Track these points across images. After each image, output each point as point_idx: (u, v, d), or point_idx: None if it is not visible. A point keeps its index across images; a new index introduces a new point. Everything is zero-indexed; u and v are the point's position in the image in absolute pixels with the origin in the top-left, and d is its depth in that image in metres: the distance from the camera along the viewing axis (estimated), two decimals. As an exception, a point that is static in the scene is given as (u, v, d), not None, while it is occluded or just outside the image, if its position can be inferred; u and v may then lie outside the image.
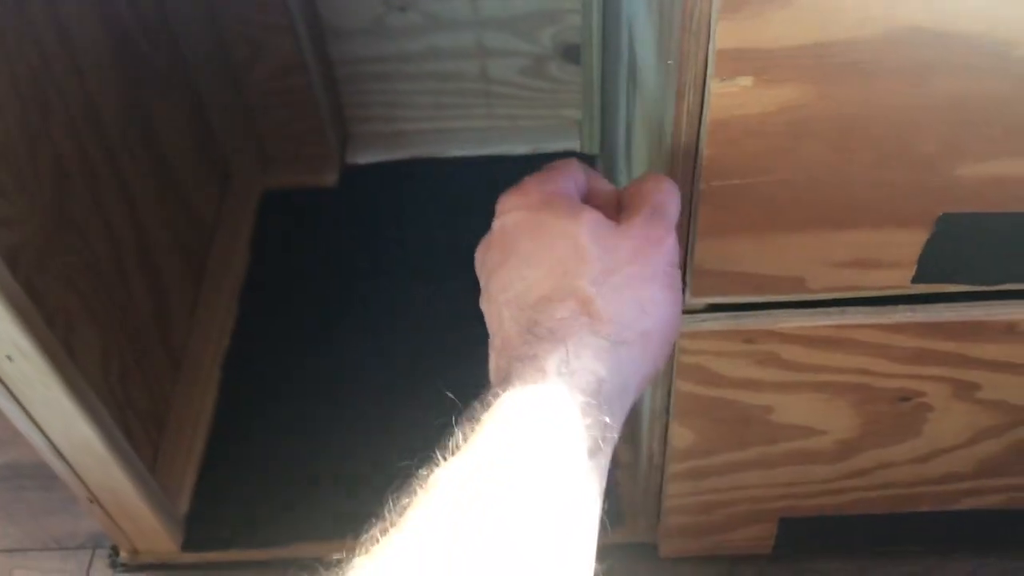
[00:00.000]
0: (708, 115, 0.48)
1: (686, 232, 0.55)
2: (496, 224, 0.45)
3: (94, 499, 0.80)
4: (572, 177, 0.46)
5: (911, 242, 0.54)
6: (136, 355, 0.88)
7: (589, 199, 0.46)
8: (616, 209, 0.46)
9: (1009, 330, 0.59)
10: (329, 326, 1.02)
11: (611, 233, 0.43)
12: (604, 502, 0.39)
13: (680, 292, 0.44)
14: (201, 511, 0.89)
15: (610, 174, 1.03)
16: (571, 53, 1.09)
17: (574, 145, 1.16)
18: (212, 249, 1.10)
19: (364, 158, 1.18)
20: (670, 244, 0.43)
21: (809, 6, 0.42)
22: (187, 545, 0.87)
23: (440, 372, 0.99)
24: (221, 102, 1.09)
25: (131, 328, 0.88)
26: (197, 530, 0.88)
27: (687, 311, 0.60)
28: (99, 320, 0.81)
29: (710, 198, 0.51)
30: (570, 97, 1.14)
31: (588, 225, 0.42)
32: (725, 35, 0.44)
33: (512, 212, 0.45)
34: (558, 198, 0.44)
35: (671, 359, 0.63)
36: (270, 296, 1.06)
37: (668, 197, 0.45)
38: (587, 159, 1.15)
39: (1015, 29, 0.43)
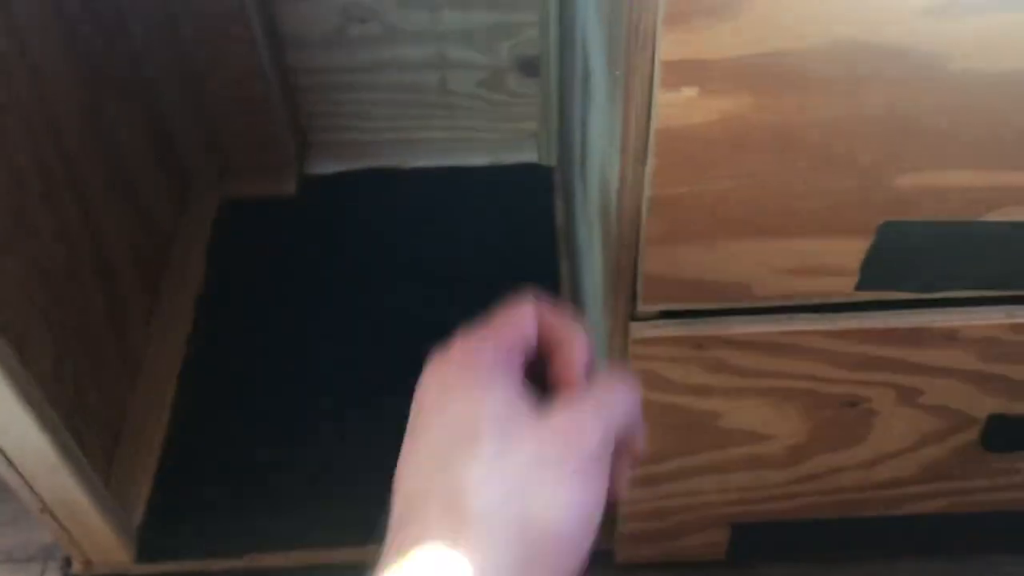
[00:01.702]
0: (655, 124, 0.49)
1: (635, 239, 0.56)
2: (415, 395, 0.39)
3: (46, 509, 0.79)
4: (516, 335, 0.38)
5: (853, 250, 0.55)
6: (91, 363, 0.88)
7: (547, 347, 0.39)
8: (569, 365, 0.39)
9: (949, 337, 0.61)
10: (287, 336, 1.02)
11: (521, 414, 0.35)
12: None
13: (597, 495, 0.35)
14: (156, 522, 0.88)
15: (567, 186, 1.04)
16: (529, 66, 1.11)
17: (532, 156, 1.17)
18: (169, 258, 1.10)
19: (323, 168, 1.18)
20: (594, 439, 0.35)
21: (751, 19, 0.44)
22: (141, 556, 0.87)
23: (397, 382, 0.99)
24: (179, 111, 1.09)
25: (86, 336, 0.87)
26: (151, 541, 0.87)
27: (640, 318, 0.61)
28: (52, 327, 0.81)
29: (658, 205, 0.53)
30: (528, 110, 1.16)
31: (494, 401, 0.35)
32: (670, 47, 0.45)
33: (426, 385, 0.38)
34: (480, 367, 0.37)
35: (624, 366, 0.64)
36: (228, 305, 1.06)
37: (616, 396, 0.38)
38: (544, 171, 1.17)
39: (945, 44, 0.45)
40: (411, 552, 0.33)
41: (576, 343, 0.39)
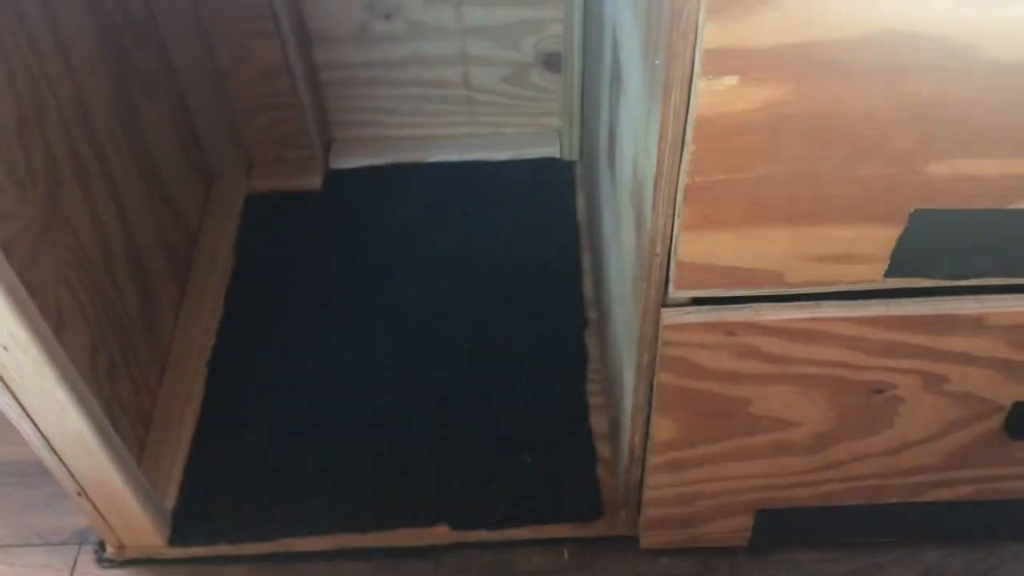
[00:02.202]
0: (694, 112, 0.50)
1: (669, 226, 0.57)
2: None
3: (83, 492, 0.81)
4: None
5: (884, 237, 0.57)
6: (123, 351, 0.89)
7: None
8: None
9: (977, 324, 0.62)
10: (313, 326, 1.04)
11: None
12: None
13: None
14: (188, 506, 0.90)
15: (590, 179, 1.06)
16: (552, 62, 1.12)
17: (554, 151, 1.19)
18: (198, 250, 1.11)
19: (348, 163, 1.19)
20: None
21: (793, 8, 0.45)
22: (174, 539, 0.88)
23: (421, 371, 1.01)
24: (206, 105, 1.11)
25: (118, 324, 0.89)
26: (184, 524, 0.89)
27: (671, 304, 0.62)
28: (87, 315, 0.82)
29: (694, 192, 0.54)
30: (551, 105, 1.17)
31: None
32: (712, 35, 0.46)
33: None
34: None
35: (655, 351, 0.65)
36: (255, 297, 1.07)
37: None
38: (566, 165, 1.18)
39: (982, 33, 0.46)
40: None
41: None
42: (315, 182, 1.17)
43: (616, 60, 0.74)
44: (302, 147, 1.16)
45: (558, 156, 1.19)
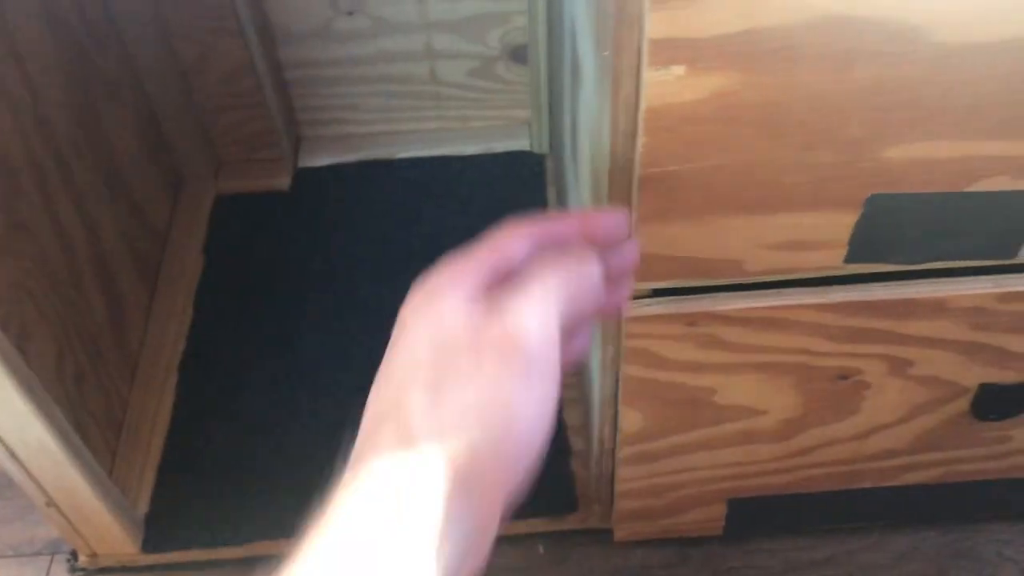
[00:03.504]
0: (644, 104, 0.50)
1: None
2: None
3: (51, 503, 0.80)
4: (493, 258, 0.39)
5: (842, 223, 0.56)
6: (91, 358, 0.88)
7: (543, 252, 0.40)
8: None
9: (938, 307, 0.62)
10: (284, 328, 1.03)
11: (462, 326, 0.36)
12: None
13: (540, 392, 0.35)
14: (160, 512, 0.89)
15: (559, 172, 1.05)
16: (519, 54, 1.11)
17: (524, 145, 1.18)
18: (166, 253, 1.10)
19: (316, 161, 1.18)
20: (531, 340, 0.35)
21: (735, -5, 0.44)
22: (147, 546, 0.87)
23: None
24: (171, 106, 1.10)
25: (85, 331, 0.88)
26: (157, 531, 0.88)
27: (632, 296, 0.62)
28: (52, 323, 0.81)
29: (649, 184, 0.53)
30: (519, 97, 1.16)
31: (438, 318, 0.36)
32: (657, 25, 0.46)
33: (405, 305, 0.39)
34: (437, 292, 0.38)
35: (619, 344, 0.65)
36: (225, 299, 1.06)
37: (555, 279, 0.37)
38: (536, 158, 1.17)
39: (927, 15, 0.46)
40: (364, 474, 0.34)
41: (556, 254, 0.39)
42: (284, 182, 1.16)
43: (574, 53, 0.73)
44: (270, 147, 1.15)
45: (528, 149, 1.18)
